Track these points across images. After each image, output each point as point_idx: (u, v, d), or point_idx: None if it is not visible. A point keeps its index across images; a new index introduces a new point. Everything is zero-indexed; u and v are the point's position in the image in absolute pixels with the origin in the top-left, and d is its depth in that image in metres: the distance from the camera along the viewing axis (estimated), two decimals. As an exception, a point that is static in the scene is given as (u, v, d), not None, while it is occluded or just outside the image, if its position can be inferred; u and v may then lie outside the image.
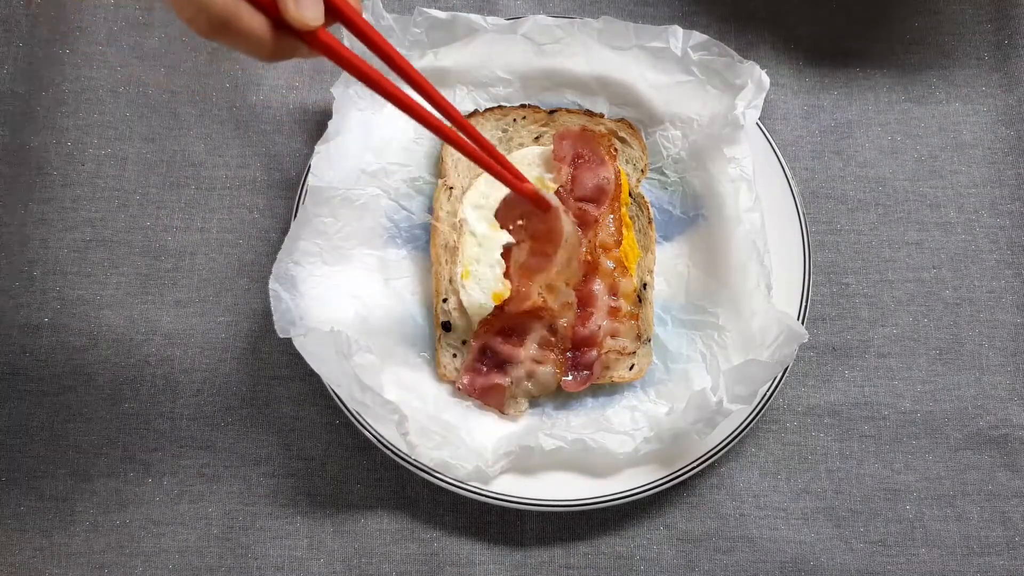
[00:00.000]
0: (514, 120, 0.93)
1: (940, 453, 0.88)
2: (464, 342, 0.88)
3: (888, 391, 0.89)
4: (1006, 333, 0.91)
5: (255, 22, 0.60)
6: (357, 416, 0.84)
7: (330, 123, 0.87)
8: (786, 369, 0.85)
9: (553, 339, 0.86)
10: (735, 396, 0.80)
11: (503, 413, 0.86)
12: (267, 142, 0.96)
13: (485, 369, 0.86)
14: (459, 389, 0.86)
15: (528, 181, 0.80)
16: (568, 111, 0.93)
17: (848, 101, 0.97)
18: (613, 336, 0.87)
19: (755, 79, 0.88)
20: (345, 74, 0.89)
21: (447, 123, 0.71)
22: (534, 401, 0.88)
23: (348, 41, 0.82)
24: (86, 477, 0.87)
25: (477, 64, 0.93)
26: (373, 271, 0.90)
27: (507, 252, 0.87)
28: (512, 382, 0.86)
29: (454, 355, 0.88)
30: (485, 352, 0.87)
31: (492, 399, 0.86)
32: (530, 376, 0.87)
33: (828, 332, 0.91)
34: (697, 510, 0.86)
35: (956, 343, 0.91)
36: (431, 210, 0.92)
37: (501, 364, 0.86)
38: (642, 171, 0.92)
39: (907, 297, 0.92)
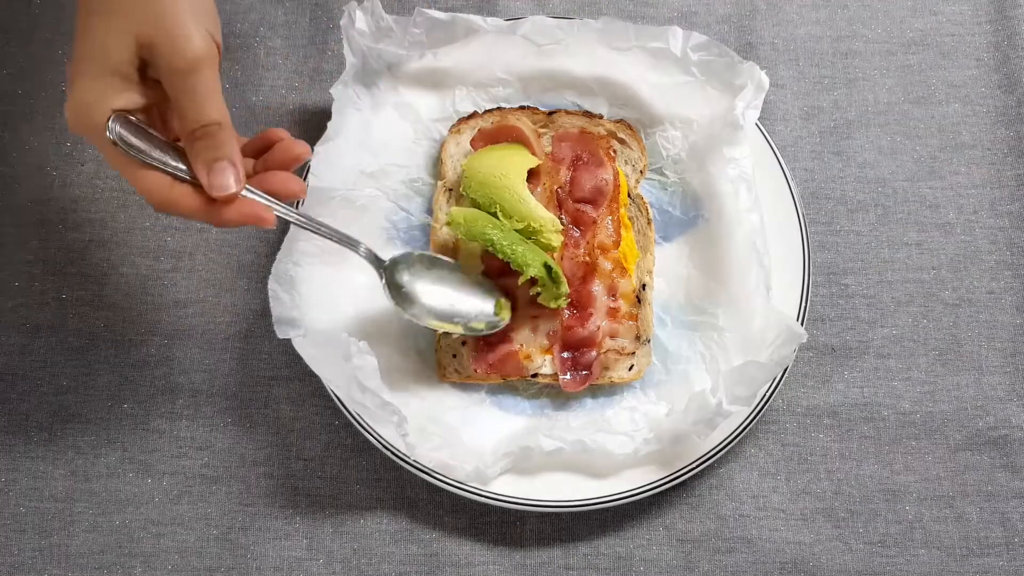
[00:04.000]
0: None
1: (939, 454, 0.88)
2: (464, 343, 0.88)
3: (887, 392, 0.89)
4: (1005, 334, 0.91)
5: (191, 201, 0.70)
6: (356, 417, 0.84)
7: (329, 124, 0.87)
8: (785, 370, 0.85)
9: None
10: (735, 397, 0.80)
11: (526, 377, 0.86)
12: (266, 142, 0.96)
13: (490, 345, 0.86)
14: (476, 371, 0.86)
15: None
16: (567, 112, 0.93)
17: (848, 102, 0.97)
18: (612, 336, 0.87)
19: (755, 79, 0.88)
20: (344, 74, 0.89)
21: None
22: (534, 400, 0.88)
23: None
24: (85, 477, 0.87)
25: (477, 65, 0.93)
26: (372, 272, 0.89)
27: None
28: (521, 344, 0.86)
29: (454, 356, 0.88)
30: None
31: (510, 368, 0.86)
32: (534, 331, 0.87)
33: (827, 333, 0.91)
34: (696, 511, 0.86)
35: (955, 344, 0.91)
36: (430, 211, 0.92)
37: (503, 334, 0.87)
38: (641, 172, 0.92)
39: (906, 298, 0.92)
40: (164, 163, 0.70)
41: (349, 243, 0.80)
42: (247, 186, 0.72)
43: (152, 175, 0.69)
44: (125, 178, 0.70)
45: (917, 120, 0.97)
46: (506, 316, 0.86)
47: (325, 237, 0.79)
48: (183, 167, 0.70)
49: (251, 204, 0.71)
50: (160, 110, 0.73)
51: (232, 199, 0.70)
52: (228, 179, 0.69)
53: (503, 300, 0.86)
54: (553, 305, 0.85)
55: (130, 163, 0.69)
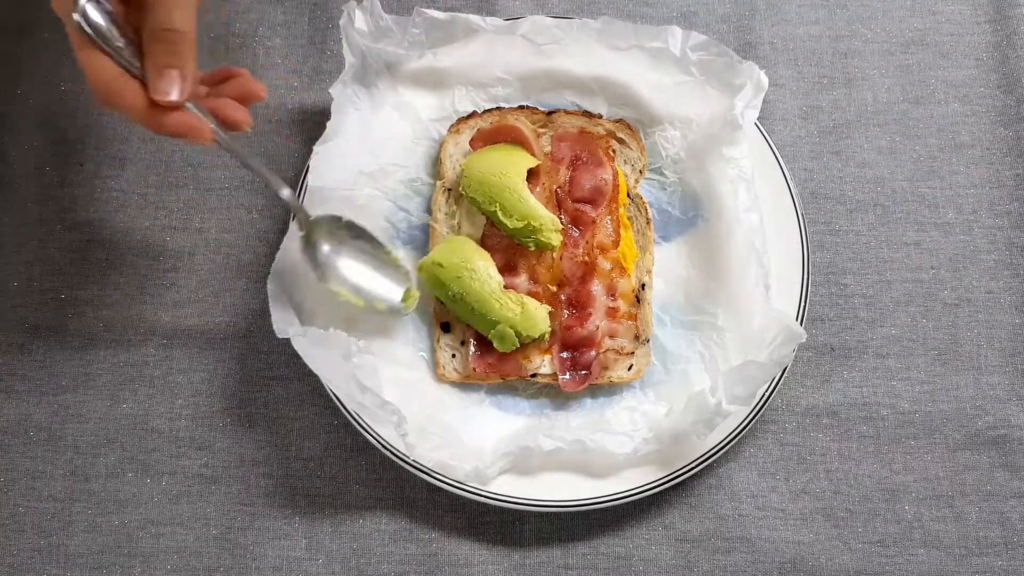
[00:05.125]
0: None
1: (938, 453, 0.88)
2: (463, 342, 0.88)
3: (886, 391, 0.89)
4: (1004, 333, 0.91)
5: (136, 98, 0.70)
6: (356, 417, 0.84)
7: (328, 124, 0.87)
8: (785, 369, 0.85)
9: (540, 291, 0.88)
10: (734, 397, 0.80)
11: (525, 377, 0.87)
12: (265, 142, 0.96)
13: (490, 345, 0.87)
14: (475, 371, 0.86)
15: None
16: (566, 112, 0.93)
17: (847, 102, 0.97)
18: (611, 336, 0.87)
19: (754, 79, 0.88)
20: (344, 74, 0.89)
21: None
22: (533, 400, 0.88)
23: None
24: (84, 477, 0.87)
25: (476, 65, 0.93)
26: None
27: None
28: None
29: (453, 356, 0.88)
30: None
31: (509, 368, 0.86)
32: None
33: (827, 332, 0.91)
34: (696, 511, 0.86)
35: (954, 343, 0.91)
36: (429, 211, 0.92)
37: None
38: (640, 172, 0.92)
39: (905, 297, 0.92)
40: (120, 54, 0.70)
41: (275, 184, 0.81)
42: (194, 103, 0.72)
43: (105, 61, 0.70)
44: (79, 60, 0.70)
45: (916, 120, 0.97)
46: (411, 305, 0.87)
47: (253, 171, 0.79)
48: (138, 64, 0.71)
49: (191, 116, 0.72)
50: (135, 18, 0.72)
51: (173, 107, 0.71)
52: (174, 87, 0.70)
53: (414, 291, 0.87)
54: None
55: (88, 44, 0.69)
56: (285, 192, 0.81)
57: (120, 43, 0.70)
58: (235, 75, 0.78)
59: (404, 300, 0.87)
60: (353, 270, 0.86)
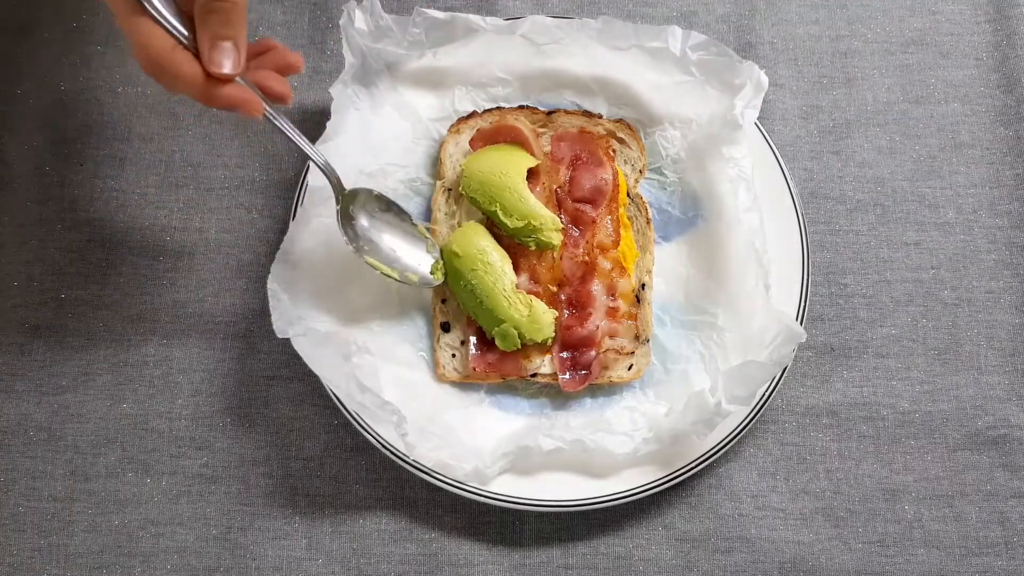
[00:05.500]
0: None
1: (938, 453, 0.88)
2: (463, 342, 0.88)
3: (886, 391, 0.89)
4: (1004, 333, 0.91)
5: (191, 68, 0.70)
6: (356, 416, 0.84)
7: (328, 124, 0.88)
8: (784, 369, 0.85)
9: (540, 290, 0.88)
10: (733, 397, 0.80)
11: (525, 377, 0.87)
12: (265, 142, 0.96)
13: (490, 344, 0.87)
14: (475, 370, 0.86)
15: None
16: (566, 112, 0.93)
17: (847, 101, 0.97)
18: (611, 336, 0.87)
19: (754, 79, 0.88)
20: (344, 74, 0.89)
21: None
22: (533, 400, 0.88)
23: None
24: (85, 477, 0.87)
25: (476, 64, 0.93)
26: (371, 271, 0.90)
27: None
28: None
29: (453, 355, 0.88)
30: (484, 331, 0.87)
31: (509, 368, 0.87)
32: None
33: (826, 332, 0.91)
34: (696, 510, 0.86)
35: (954, 343, 0.91)
36: (429, 211, 0.92)
37: None
38: (640, 171, 0.92)
39: (905, 297, 0.92)
40: (172, 25, 0.70)
41: (313, 155, 0.82)
42: (241, 76, 0.73)
43: (156, 31, 0.69)
44: (126, 28, 0.70)
45: (916, 119, 0.97)
46: (439, 277, 0.88)
47: (299, 145, 0.80)
48: (187, 35, 0.70)
49: (243, 89, 0.72)
50: None
51: (227, 79, 0.71)
52: (227, 59, 0.70)
53: (441, 263, 0.88)
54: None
55: (137, 11, 0.69)
56: (324, 163, 0.83)
57: (170, 12, 0.70)
58: (271, 48, 0.79)
59: (432, 272, 0.88)
60: (387, 242, 0.87)
